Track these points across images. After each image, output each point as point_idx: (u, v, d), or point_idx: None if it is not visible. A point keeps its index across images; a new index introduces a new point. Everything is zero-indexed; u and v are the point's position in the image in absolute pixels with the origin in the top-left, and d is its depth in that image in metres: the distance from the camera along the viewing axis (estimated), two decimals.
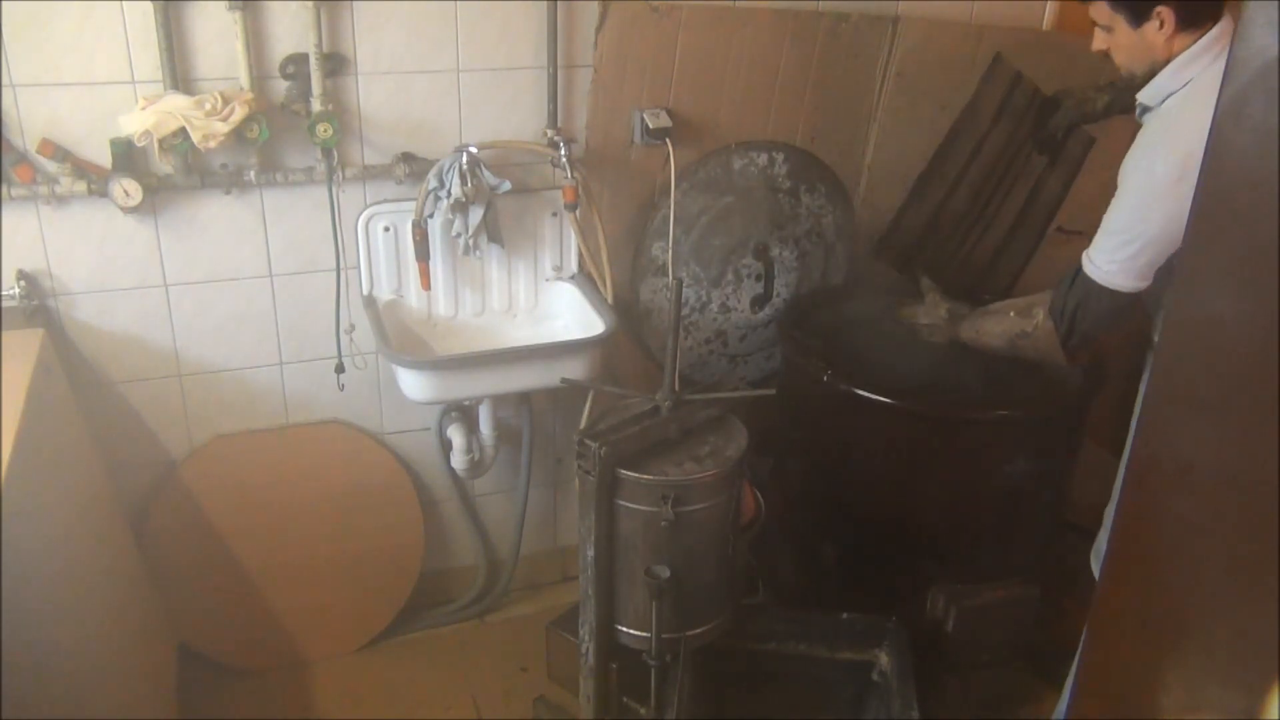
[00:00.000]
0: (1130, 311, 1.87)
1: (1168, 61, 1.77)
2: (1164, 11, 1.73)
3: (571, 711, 2.24)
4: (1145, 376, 2.00)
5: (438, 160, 2.14)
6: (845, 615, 2.10)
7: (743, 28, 2.30)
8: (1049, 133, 2.36)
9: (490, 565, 2.68)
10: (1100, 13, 1.82)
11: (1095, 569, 2.02)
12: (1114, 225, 1.79)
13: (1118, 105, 2.17)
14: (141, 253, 2.10)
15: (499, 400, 2.39)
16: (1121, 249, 1.77)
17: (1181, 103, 1.74)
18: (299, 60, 2.03)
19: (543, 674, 2.44)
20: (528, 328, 2.41)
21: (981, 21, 2.53)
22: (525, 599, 2.73)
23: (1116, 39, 1.81)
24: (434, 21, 2.12)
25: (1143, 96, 1.81)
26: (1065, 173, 2.47)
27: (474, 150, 2.11)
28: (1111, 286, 1.80)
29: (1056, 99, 2.32)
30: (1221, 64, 1.74)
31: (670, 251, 2.39)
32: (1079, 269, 1.86)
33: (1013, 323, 2.04)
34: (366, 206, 2.21)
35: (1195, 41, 1.74)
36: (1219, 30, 1.73)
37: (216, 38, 1.98)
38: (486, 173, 2.13)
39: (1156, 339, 1.91)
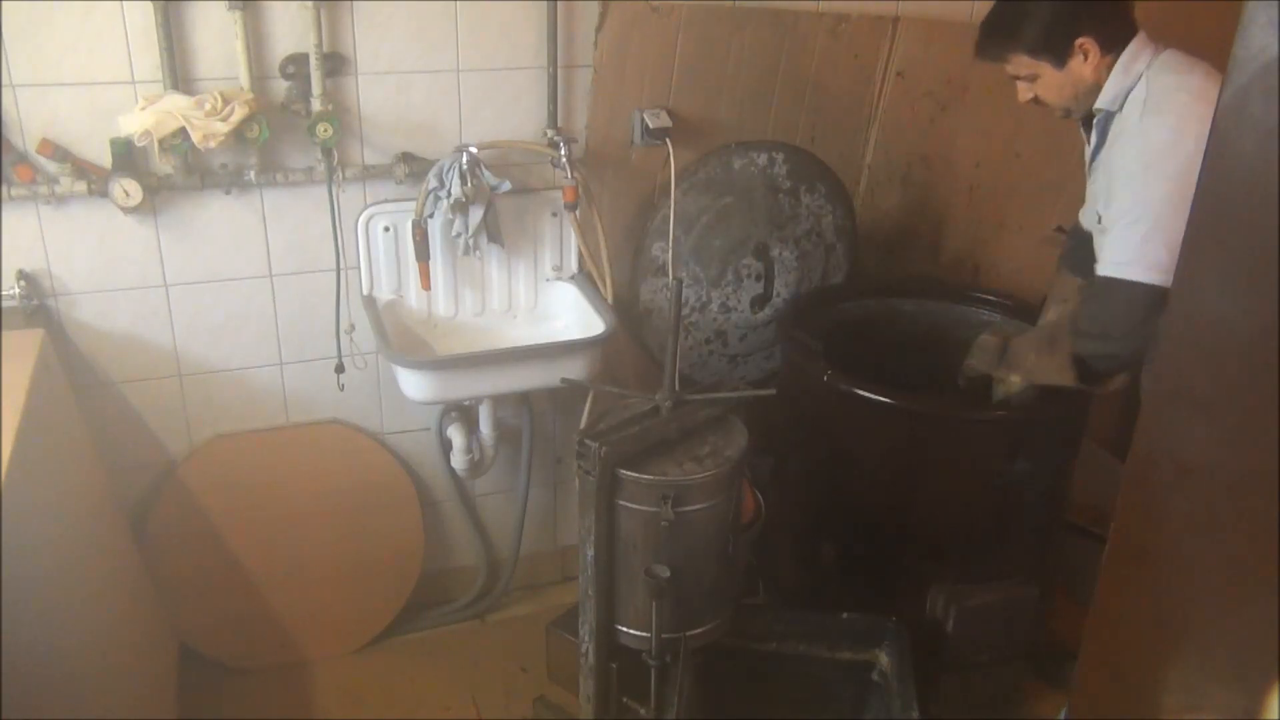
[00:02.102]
0: (1156, 313, 1.74)
1: (1098, 84, 1.81)
2: (1086, 43, 1.78)
3: (571, 711, 2.23)
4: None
5: (438, 160, 2.14)
6: (845, 615, 2.10)
7: (743, 28, 2.30)
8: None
9: (490, 565, 2.68)
10: (1021, 66, 1.85)
11: None
12: (1118, 214, 1.76)
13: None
14: (141, 253, 2.10)
15: (499, 400, 2.39)
16: (1132, 230, 1.72)
17: (1145, 88, 1.76)
18: (299, 60, 2.03)
19: (543, 674, 2.43)
20: (528, 328, 2.40)
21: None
22: (525, 599, 2.73)
23: (1044, 84, 1.85)
24: (434, 21, 2.12)
25: (1101, 103, 1.83)
26: None
27: (474, 150, 2.11)
28: (1131, 279, 1.73)
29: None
30: (1164, 57, 1.76)
31: (670, 251, 2.39)
32: (1090, 291, 1.82)
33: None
34: (366, 206, 2.21)
35: (1121, 53, 1.79)
36: (1142, 37, 1.79)
37: (216, 38, 1.98)
38: (486, 173, 2.13)
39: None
